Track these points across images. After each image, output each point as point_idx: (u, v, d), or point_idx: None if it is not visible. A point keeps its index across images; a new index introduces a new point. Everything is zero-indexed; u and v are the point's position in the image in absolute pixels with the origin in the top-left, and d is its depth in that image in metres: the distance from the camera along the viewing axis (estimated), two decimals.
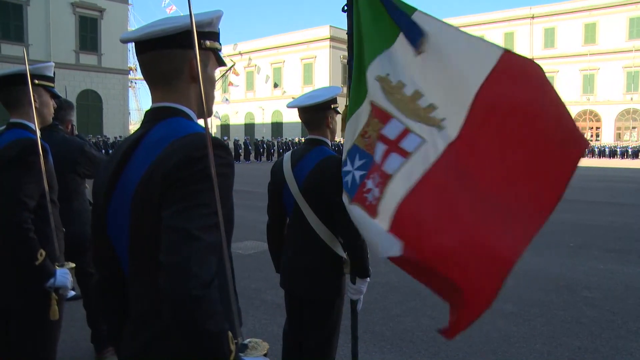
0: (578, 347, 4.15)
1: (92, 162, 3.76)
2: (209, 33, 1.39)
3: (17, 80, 2.41)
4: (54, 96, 2.63)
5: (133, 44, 1.37)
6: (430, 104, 2.24)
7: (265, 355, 1.26)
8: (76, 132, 4.29)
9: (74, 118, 4.19)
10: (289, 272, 2.76)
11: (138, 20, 72.74)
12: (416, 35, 2.27)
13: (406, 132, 2.25)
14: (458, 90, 2.20)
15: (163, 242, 1.14)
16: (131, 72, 43.06)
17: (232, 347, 1.13)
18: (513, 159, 2.09)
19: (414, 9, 2.29)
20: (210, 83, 1.45)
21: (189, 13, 1.22)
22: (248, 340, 1.27)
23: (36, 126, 2.40)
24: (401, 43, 2.30)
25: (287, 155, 2.79)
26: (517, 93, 2.13)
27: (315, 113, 2.69)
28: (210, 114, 1.41)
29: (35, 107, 2.42)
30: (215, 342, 1.09)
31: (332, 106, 2.72)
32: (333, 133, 2.77)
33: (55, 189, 2.49)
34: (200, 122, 1.37)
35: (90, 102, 33.53)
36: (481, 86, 2.15)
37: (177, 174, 1.19)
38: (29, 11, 30.41)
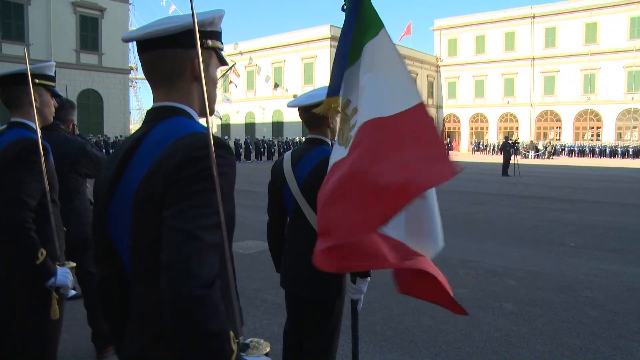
0: (579, 347, 4.15)
1: (93, 161, 3.76)
2: (211, 32, 1.39)
3: (17, 79, 2.41)
4: (55, 95, 2.63)
5: (134, 43, 1.37)
6: (356, 121, 2.33)
7: (266, 354, 1.26)
8: (77, 132, 4.29)
9: (75, 117, 4.19)
10: (289, 272, 2.76)
11: (139, 19, 72.80)
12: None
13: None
14: (364, 113, 2.29)
15: (164, 242, 1.14)
16: (132, 71, 43.12)
17: (234, 347, 1.13)
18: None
19: (375, 32, 2.35)
20: (212, 82, 1.44)
21: (190, 12, 1.21)
22: (249, 339, 1.27)
23: (37, 125, 2.40)
24: (363, 57, 2.37)
25: (288, 155, 2.78)
26: (400, 132, 2.19)
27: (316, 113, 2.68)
28: (212, 113, 1.40)
29: (36, 107, 2.42)
30: (217, 343, 1.09)
31: (333, 105, 2.71)
32: (333, 132, 2.76)
33: (56, 189, 2.49)
34: (202, 121, 1.37)
35: (91, 101, 33.54)
36: (380, 117, 2.23)
37: (178, 174, 1.19)
38: (30, 11, 30.41)
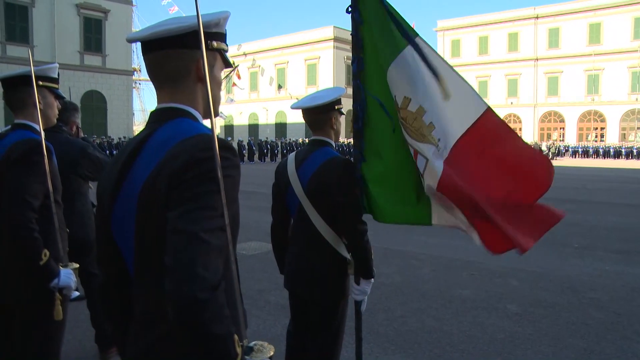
0: (584, 349, 4.13)
1: (94, 164, 3.72)
2: (216, 34, 1.38)
3: (21, 81, 2.41)
4: (58, 97, 2.64)
5: (138, 44, 1.37)
6: (431, 122, 2.36)
7: (270, 358, 1.25)
8: (82, 134, 4.28)
9: (78, 120, 4.17)
10: (293, 274, 2.75)
11: (142, 21, 72.98)
12: (423, 54, 2.37)
13: (416, 154, 2.41)
14: (451, 120, 2.36)
15: (168, 245, 1.13)
16: (135, 73, 43.18)
17: (238, 350, 1.12)
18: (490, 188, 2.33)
19: (416, 34, 2.38)
20: (217, 84, 1.44)
21: (195, 13, 1.21)
22: (253, 342, 1.26)
23: (40, 128, 2.40)
24: (408, 55, 2.36)
25: (292, 156, 2.78)
26: (494, 145, 2.36)
27: (319, 114, 2.68)
28: (216, 115, 1.40)
29: (40, 109, 2.42)
30: (221, 346, 1.09)
31: (336, 107, 2.71)
32: (337, 134, 2.76)
33: (59, 190, 2.50)
34: (206, 123, 1.36)
35: (95, 103, 33.61)
36: (468, 128, 2.35)
37: (183, 175, 1.18)
38: (34, 12, 30.52)
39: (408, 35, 2.35)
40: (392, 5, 2.40)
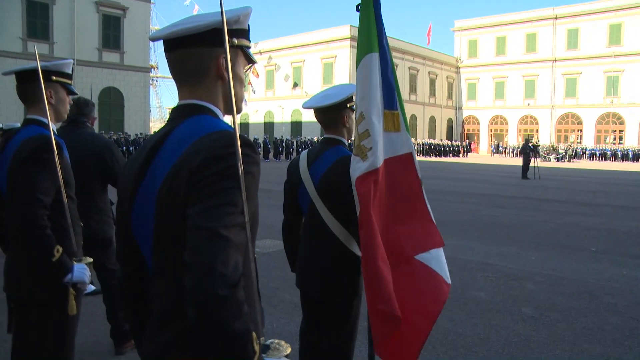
0: (600, 354, 4.08)
1: (118, 163, 3.75)
2: (237, 30, 1.38)
3: (34, 76, 2.42)
4: (71, 93, 2.65)
5: (160, 42, 1.37)
6: (366, 129, 2.46)
7: (286, 356, 1.25)
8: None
9: (90, 116, 4.15)
10: (304, 272, 2.74)
11: (160, 18, 73.51)
12: (388, 64, 2.53)
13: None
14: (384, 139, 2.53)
15: (188, 241, 1.13)
16: (152, 70, 43.52)
17: (257, 348, 1.12)
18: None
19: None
20: (239, 81, 1.43)
21: (216, 11, 1.21)
22: (270, 341, 1.26)
23: (49, 122, 2.40)
24: (370, 61, 2.52)
25: (304, 154, 2.77)
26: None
27: (331, 113, 2.66)
28: (239, 111, 1.40)
29: (51, 104, 2.43)
30: (240, 343, 1.08)
31: (348, 105, 2.68)
32: (350, 132, 2.74)
33: (71, 184, 2.49)
34: (227, 119, 1.36)
35: (112, 99, 33.99)
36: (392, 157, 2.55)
37: (203, 172, 1.18)
38: (55, 10, 31.01)
39: (383, 44, 2.52)
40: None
